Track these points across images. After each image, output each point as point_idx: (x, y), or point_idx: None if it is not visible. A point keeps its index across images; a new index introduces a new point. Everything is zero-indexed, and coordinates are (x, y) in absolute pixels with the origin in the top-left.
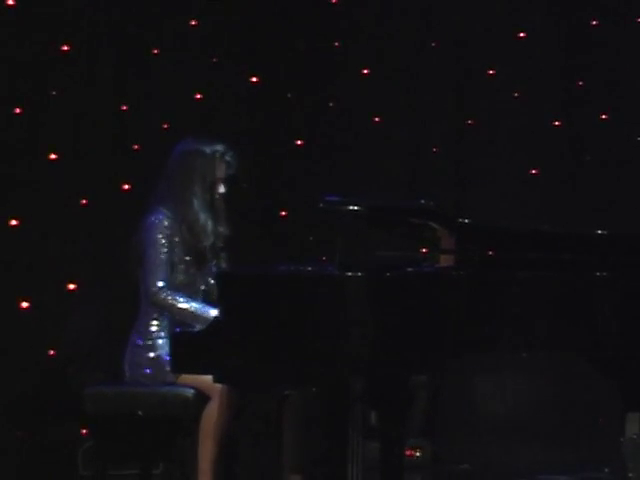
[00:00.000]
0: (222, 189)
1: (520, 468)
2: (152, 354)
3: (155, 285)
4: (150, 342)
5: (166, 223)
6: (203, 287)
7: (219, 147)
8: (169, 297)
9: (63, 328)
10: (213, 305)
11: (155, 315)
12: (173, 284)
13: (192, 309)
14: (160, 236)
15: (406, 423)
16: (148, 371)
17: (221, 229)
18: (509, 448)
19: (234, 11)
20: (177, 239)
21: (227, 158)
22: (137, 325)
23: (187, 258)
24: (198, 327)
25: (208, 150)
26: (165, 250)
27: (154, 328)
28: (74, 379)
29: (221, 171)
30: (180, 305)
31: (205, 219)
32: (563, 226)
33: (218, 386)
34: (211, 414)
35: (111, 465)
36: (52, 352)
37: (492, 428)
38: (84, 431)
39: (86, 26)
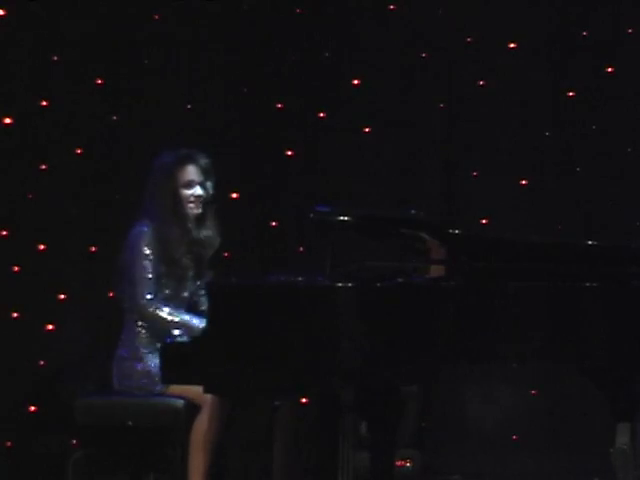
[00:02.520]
0: (197, 191)
1: (510, 478)
2: (139, 365)
3: (143, 298)
4: (136, 354)
5: (150, 235)
6: (187, 296)
7: (182, 152)
8: (157, 309)
9: (53, 339)
10: (198, 315)
11: (139, 327)
12: (160, 296)
13: (179, 320)
14: (145, 248)
15: (397, 433)
16: (135, 383)
17: (204, 234)
18: (500, 458)
19: (225, 21)
20: (157, 252)
21: (197, 160)
22: (122, 337)
23: (165, 270)
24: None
25: (168, 159)
26: (151, 263)
27: (139, 340)
28: (64, 389)
29: (187, 175)
30: (167, 317)
31: (174, 230)
32: (553, 236)
33: (208, 396)
34: (201, 425)
35: (101, 475)
36: (42, 362)
37: (483, 438)
38: (74, 441)
39: (78, 36)
